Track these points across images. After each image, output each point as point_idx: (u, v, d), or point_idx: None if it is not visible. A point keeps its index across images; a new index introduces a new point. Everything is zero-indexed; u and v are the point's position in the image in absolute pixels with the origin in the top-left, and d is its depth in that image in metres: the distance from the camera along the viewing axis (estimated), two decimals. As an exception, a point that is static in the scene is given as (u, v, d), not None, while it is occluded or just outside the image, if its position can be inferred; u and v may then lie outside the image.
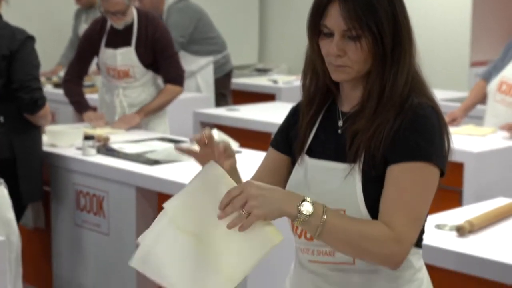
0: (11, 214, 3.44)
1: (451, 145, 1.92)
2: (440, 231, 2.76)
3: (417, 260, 1.96)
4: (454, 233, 2.73)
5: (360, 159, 1.89)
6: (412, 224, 1.84)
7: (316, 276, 1.96)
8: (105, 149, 4.21)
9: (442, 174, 1.89)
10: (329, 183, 1.92)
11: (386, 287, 1.91)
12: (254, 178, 2.06)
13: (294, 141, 2.04)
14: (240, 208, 1.75)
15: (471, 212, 2.92)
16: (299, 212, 1.76)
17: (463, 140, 4.53)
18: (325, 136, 1.99)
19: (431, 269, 2.60)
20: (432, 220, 2.90)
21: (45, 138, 4.49)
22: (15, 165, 4.01)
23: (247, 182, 1.80)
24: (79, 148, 4.22)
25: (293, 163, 2.05)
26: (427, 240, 2.62)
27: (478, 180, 4.15)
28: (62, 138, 4.37)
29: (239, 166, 3.90)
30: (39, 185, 4.19)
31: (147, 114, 4.81)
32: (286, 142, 2.07)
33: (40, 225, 4.54)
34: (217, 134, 4.16)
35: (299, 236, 1.97)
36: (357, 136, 1.90)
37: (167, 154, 4.03)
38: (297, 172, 2.01)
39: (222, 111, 5.65)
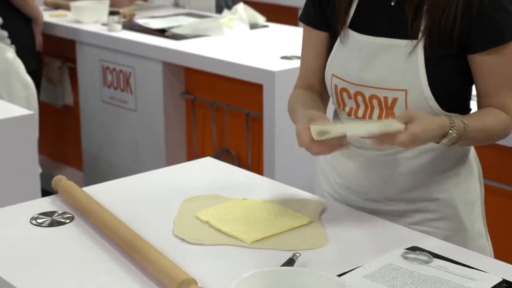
0: (28, 77, 3.46)
1: None
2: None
3: None
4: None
5: (426, 35, 1.73)
6: None
7: (366, 151, 1.86)
8: (131, 24, 4.17)
9: None
10: (389, 63, 1.77)
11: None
12: (305, 62, 1.96)
13: (332, 15, 1.87)
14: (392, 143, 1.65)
15: None
16: (442, 141, 1.70)
17: None
18: (373, 8, 1.81)
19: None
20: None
21: (70, 15, 4.46)
22: None
23: (416, 135, 1.65)
24: (104, 24, 4.18)
25: (332, 38, 1.90)
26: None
27: None
28: (87, 14, 4.33)
29: (267, 41, 3.86)
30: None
31: None
32: (323, 18, 1.90)
33: (68, 103, 4.56)
34: (243, 9, 4.11)
35: (349, 114, 1.86)
36: (422, 8, 1.73)
37: (193, 29, 3.99)
38: (342, 50, 1.85)
39: (248, -14, 5.56)
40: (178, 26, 4.09)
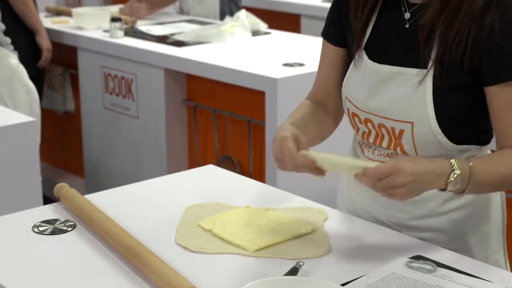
0: (31, 83, 3.46)
1: None
2: None
3: None
4: None
5: (436, 63, 1.65)
6: None
7: None
8: (133, 31, 4.17)
9: None
10: (396, 92, 1.70)
11: None
12: (319, 76, 1.91)
13: (348, 33, 1.80)
14: (382, 191, 1.56)
15: None
16: (448, 187, 1.58)
17: None
18: (387, 32, 1.75)
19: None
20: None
21: (72, 21, 4.46)
22: None
23: (398, 164, 1.54)
24: (106, 31, 4.18)
25: (348, 57, 1.84)
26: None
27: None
28: (89, 21, 4.33)
29: (269, 48, 3.86)
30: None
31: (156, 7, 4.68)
32: (340, 33, 1.84)
33: (70, 109, 4.56)
34: (245, 16, 4.11)
35: (362, 137, 1.82)
36: (434, 33, 1.65)
37: (195, 36, 3.98)
38: (355, 73, 1.79)
39: (250, -7, 5.56)
40: (180, 33, 4.09)
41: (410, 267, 1.57)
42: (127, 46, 3.94)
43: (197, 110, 3.75)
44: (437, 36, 1.66)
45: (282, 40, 4.06)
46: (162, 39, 4.00)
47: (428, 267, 1.57)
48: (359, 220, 1.83)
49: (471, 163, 1.61)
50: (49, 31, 4.40)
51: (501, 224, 1.87)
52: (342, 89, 1.84)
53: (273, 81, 3.23)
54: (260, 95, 3.31)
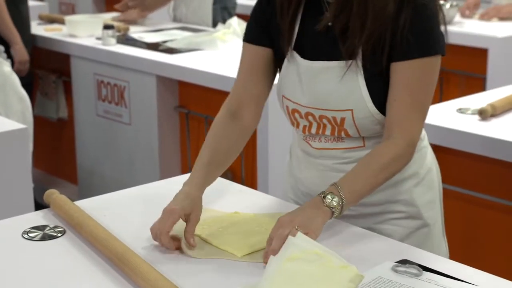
0: (23, 91, 3.47)
1: (445, 20, 1.81)
2: (462, 115, 2.74)
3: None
4: (477, 116, 2.71)
5: (358, 55, 1.76)
6: (422, 121, 1.80)
7: (325, 161, 1.90)
8: (125, 38, 4.19)
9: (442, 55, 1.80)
10: (328, 84, 1.80)
11: None
12: (237, 85, 1.94)
13: (277, 36, 1.87)
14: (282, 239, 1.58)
15: (493, 97, 2.89)
16: (329, 205, 1.69)
17: (487, 25, 4.46)
18: (313, 30, 1.81)
19: (452, 153, 2.60)
20: (454, 104, 2.88)
21: (64, 29, 4.47)
22: None
23: (278, 221, 1.66)
24: (99, 38, 4.19)
25: (279, 55, 1.90)
26: (448, 124, 2.62)
27: (502, 66, 4.09)
28: (82, 28, 4.34)
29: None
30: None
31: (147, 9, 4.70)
32: (266, 33, 1.89)
33: (63, 116, 4.57)
34: (237, 23, 4.12)
35: (303, 131, 1.90)
36: (350, 32, 1.75)
37: (187, 43, 4.00)
38: (289, 71, 1.87)
39: (242, 0, 5.56)
40: (172, 40, 4.10)
41: (396, 271, 1.58)
42: (120, 54, 3.96)
43: (189, 117, 3.76)
44: (352, 34, 1.74)
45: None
46: (155, 46, 4.02)
47: (414, 271, 1.58)
48: (345, 225, 1.84)
49: (336, 181, 1.72)
50: (42, 39, 4.42)
51: (438, 194, 1.99)
52: (277, 88, 1.91)
53: (264, 87, 3.24)
54: (252, 101, 3.32)
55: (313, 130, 1.88)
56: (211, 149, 1.87)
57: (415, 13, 1.73)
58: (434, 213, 1.95)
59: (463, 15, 4.72)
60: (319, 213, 1.68)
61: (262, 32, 1.90)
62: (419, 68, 1.76)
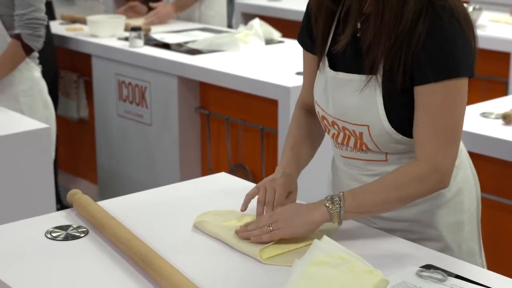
0: (49, 98, 3.48)
1: (477, 39, 1.76)
2: (486, 119, 2.72)
3: None
4: (500, 121, 2.69)
5: (379, 71, 1.73)
6: (450, 146, 1.73)
7: (350, 170, 1.90)
8: (147, 39, 4.19)
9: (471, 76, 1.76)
10: (348, 98, 1.79)
11: None
12: (304, 82, 2.00)
13: (316, 40, 1.88)
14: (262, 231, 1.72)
15: (518, 101, 2.87)
16: (327, 204, 1.71)
17: (510, 29, 4.43)
18: (345, 41, 1.79)
19: (476, 157, 2.58)
20: (478, 108, 2.86)
21: (86, 29, 4.49)
22: None
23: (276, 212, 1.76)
24: (121, 38, 4.20)
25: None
26: (472, 128, 2.60)
27: (525, 70, 4.07)
28: (104, 28, 4.35)
29: (282, 56, 3.87)
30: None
31: (182, 8, 4.72)
32: (310, 41, 1.91)
33: (84, 116, 4.58)
34: (259, 25, 4.12)
35: (333, 138, 1.91)
36: (373, 45, 1.72)
37: (209, 44, 4.00)
38: (319, 78, 1.89)
39: (264, 2, 5.57)
40: (193, 41, 4.10)
41: (421, 276, 1.57)
42: (141, 54, 3.96)
43: (210, 118, 3.76)
44: (374, 47, 1.72)
45: (295, 49, 4.06)
46: (176, 47, 4.02)
47: (439, 276, 1.57)
48: (370, 229, 1.83)
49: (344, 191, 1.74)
50: (64, 39, 4.43)
51: (475, 214, 1.94)
52: (313, 93, 1.92)
53: (286, 89, 3.24)
54: (273, 103, 3.31)
55: (340, 139, 1.88)
56: (292, 136, 1.97)
57: (428, 33, 1.68)
58: (460, 236, 1.89)
59: None
60: (313, 212, 1.71)
61: (309, 39, 1.92)
62: (439, 92, 1.70)
